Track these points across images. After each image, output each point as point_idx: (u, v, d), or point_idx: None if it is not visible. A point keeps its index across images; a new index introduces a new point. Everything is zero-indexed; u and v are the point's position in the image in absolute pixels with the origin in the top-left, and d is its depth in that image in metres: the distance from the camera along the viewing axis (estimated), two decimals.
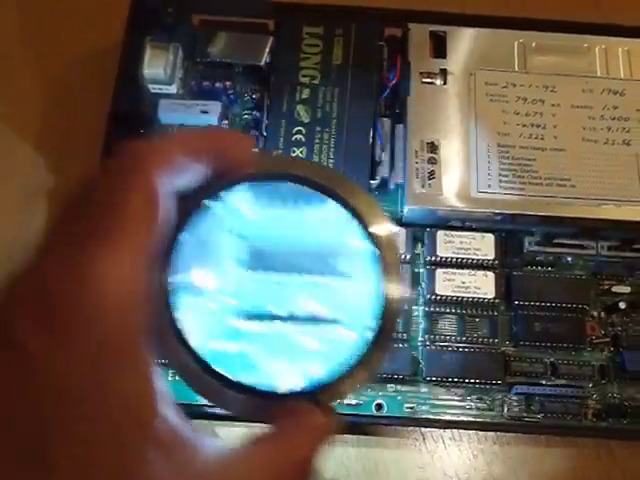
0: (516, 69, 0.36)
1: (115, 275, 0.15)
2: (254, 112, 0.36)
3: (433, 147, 0.34)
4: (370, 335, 0.19)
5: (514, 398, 0.32)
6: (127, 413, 0.15)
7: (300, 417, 0.18)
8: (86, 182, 0.17)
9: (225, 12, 0.37)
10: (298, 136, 0.34)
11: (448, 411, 0.32)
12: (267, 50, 0.36)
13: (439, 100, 0.35)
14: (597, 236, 0.34)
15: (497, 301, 0.33)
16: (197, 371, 0.19)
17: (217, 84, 0.37)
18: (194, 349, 0.19)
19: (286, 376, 0.19)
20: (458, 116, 0.34)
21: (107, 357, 0.15)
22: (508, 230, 0.34)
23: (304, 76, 0.35)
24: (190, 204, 0.19)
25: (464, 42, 0.36)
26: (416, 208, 0.33)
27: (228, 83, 0.37)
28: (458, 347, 0.32)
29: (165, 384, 0.16)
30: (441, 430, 0.33)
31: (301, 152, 0.34)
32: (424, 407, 0.32)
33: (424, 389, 0.32)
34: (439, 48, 0.36)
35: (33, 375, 0.15)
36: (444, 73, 0.35)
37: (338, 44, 0.36)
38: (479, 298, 0.33)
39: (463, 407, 0.32)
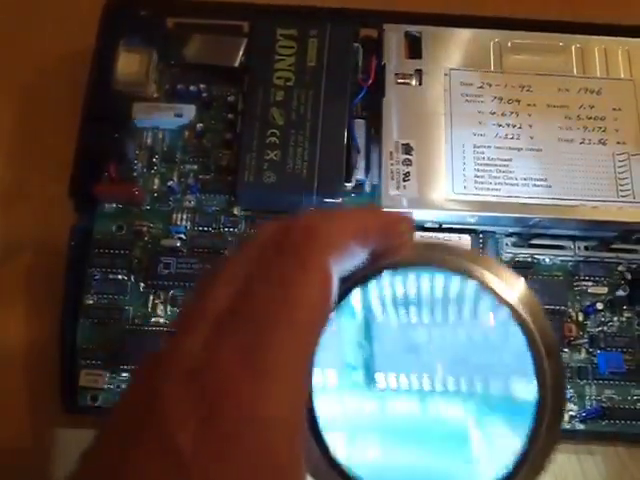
0: (492, 69, 0.35)
1: (287, 378, 0.14)
2: (228, 115, 0.36)
3: (408, 148, 0.33)
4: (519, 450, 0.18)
5: None
6: None
7: None
8: (253, 250, 0.16)
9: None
10: (272, 139, 0.34)
11: None
12: (241, 52, 0.36)
13: (414, 101, 0.34)
14: (574, 237, 0.34)
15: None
16: (329, 472, 0.18)
17: (191, 87, 0.37)
18: (331, 453, 0.18)
19: None
20: (433, 117, 0.34)
21: (264, 473, 0.14)
22: (484, 231, 0.34)
23: (278, 78, 0.35)
24: (345, 287, 0.18)
25: (439, 42, 0.36)
26: (391, 210, 0.33)
27: (202, 86, 0.37)
28: None
29: None
30: None
31: (275, 155, 0.34)
32: None
33: None
34: (414, 49, 0.36)
35: (181, 473, 0.13)
36: (419, 74, 0.35)
37: (312, 46, 0.35)
38: None
39: None
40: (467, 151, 0.34)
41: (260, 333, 0.14)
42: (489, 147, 0.34)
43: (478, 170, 0.33)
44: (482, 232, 0.34)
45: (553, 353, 0.19)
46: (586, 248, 0.34)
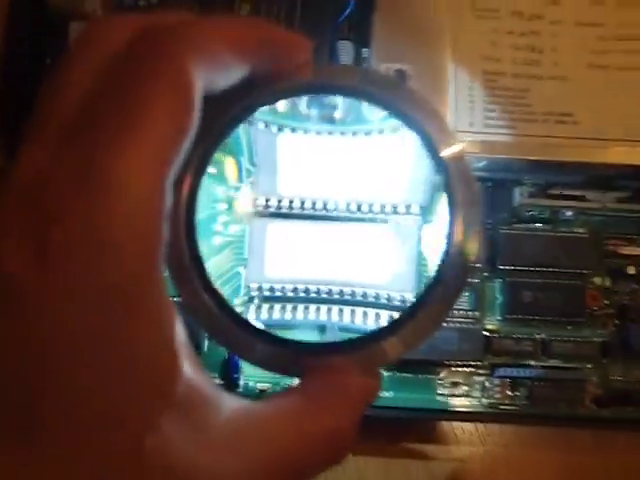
0: None
1: (133, 190, 0.13)
2: None
3: (402, 75, 0.29)
4: (424, 288, 0.17)
5: (497, 382, 0.29)
6: (138, 368, 0.13)
7: (336, 377, 0.16)
8: (102, 49, 0.15)
9: None
10: None
11: (418, 397, 0.28)
12: None
13: (412, 17, 0.29)
14: (604, 185, 0.30)
15: (479, 265, 0.29)
16: (220, 318, 0.17)
17: (141, 1, 0.31)
18: (218, 291, 0.17)
19: (324, 328, 0.19)
20: (435, 36, 0.29)
21: (117, 300, 0.13)
22: (494, 179, 0.30)
23: None
24: (224, 114, 0.17)
25: None
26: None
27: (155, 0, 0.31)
28: None
29: (183, 330, 0.15)
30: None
31: None
32: (388, 394, 0.28)
33: (387, 373, 0.28)
34: None
35: (23, 319, 0.13)
36: None
37: None
38: None
39: (436, 394, 0.28)
40: (475, 79, 0.29)
41: (105, 144, 0.13)
42: (503, 74, 0.29)
43: (488, 103, 0.29)
44: (491, 180, 0.30)
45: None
46: (617, 200, 0.30)
